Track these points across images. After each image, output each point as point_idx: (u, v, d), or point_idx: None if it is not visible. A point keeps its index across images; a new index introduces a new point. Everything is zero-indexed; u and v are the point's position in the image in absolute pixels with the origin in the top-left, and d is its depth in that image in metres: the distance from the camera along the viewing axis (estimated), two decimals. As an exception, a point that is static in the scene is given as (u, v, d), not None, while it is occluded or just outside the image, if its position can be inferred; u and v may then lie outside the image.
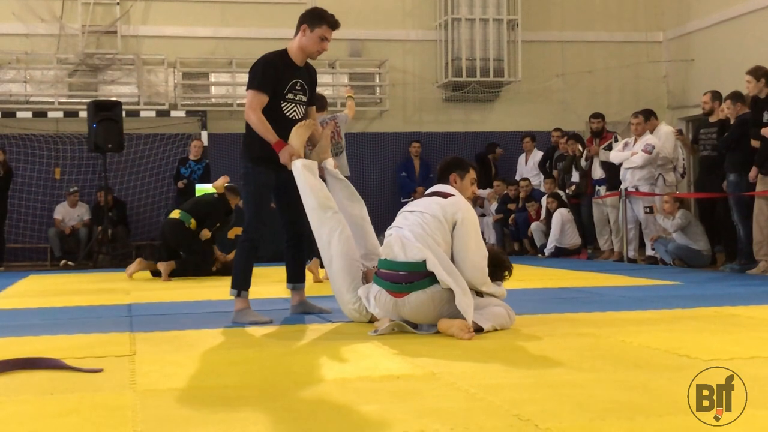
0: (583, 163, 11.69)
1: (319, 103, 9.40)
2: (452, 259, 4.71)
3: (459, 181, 5.01)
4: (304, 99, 5.46)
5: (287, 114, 5.34)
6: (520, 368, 3.63)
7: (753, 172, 8.54)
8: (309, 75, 5.52)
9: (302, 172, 5.24)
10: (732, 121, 9.07)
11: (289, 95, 5.35)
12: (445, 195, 4.85)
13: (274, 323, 5.23)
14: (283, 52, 5.40)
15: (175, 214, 9.68)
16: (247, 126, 5.33)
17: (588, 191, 11.74)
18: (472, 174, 5.08)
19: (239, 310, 5.35)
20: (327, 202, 5.24)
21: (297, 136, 5.27)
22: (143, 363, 3.90)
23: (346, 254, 5.16)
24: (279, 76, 5.30)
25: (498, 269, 5.02)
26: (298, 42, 5.37)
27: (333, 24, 5.37)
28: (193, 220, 9.51)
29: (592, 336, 4.47)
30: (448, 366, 3.67)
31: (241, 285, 5.37)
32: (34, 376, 3.63)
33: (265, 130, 5.21)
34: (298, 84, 5.39)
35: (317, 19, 5.33)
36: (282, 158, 5.23)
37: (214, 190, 9.98)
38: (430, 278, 4.60)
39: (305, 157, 5.34)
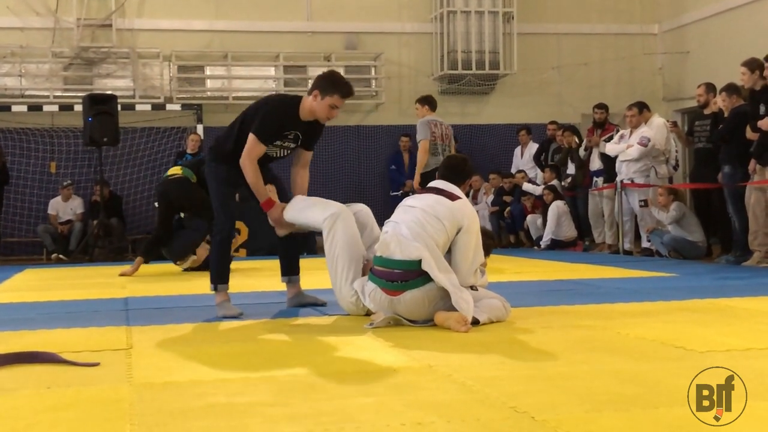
0: (581, 153, 11.68)
1: (432, 104, 9.60)
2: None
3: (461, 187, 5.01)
4: (292, 146, 5.44)
5: (267, 152, 5.34)
6: (516, 360, 3.64)
7: (751, 164, 8.53)
8: (312, 128, 5.44)
9: (295, 202, 5.37)
10: (726, 114, 9.06)
11: (278, 142, 5.34)
12: (451, 196, 4.82)
13: (275, 316, 5.24)
14: (294, 105, 5.33)
15: (177, 170, 9.34)
16: (225, 132, 5.43)
17: (585, 183, 11.74)
18: (467, 184, 5.23)
19: (218, 304, 5.43)
20: (329, 202, 5.32)
21: (280, 209, 5.36)
22: (140, 356, 3.91)
23: (349, 247, 5.13)
24: (280, 128, 5.30)
25: (485, 237, 5.05)
26: (309, 104, 5.30)
27: (346, 94, 5.28)
28: (194, 176, 9.16)
29: (588, 328, 4.48)
30: (444, 358, 3.68)
31: (217, 279, 5.47)
32: (31, 370, 3.62)
33: (257, 185, 5.27)
34: (292, 134, 5.36)
35: (330, 88, 5.24)
36: (271, 218, 5.37)
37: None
38: (425, 276, 4.59)
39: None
